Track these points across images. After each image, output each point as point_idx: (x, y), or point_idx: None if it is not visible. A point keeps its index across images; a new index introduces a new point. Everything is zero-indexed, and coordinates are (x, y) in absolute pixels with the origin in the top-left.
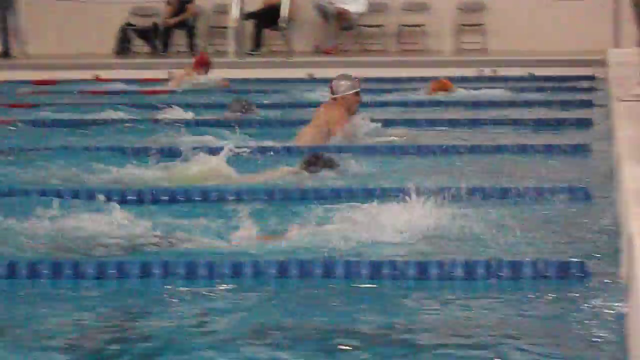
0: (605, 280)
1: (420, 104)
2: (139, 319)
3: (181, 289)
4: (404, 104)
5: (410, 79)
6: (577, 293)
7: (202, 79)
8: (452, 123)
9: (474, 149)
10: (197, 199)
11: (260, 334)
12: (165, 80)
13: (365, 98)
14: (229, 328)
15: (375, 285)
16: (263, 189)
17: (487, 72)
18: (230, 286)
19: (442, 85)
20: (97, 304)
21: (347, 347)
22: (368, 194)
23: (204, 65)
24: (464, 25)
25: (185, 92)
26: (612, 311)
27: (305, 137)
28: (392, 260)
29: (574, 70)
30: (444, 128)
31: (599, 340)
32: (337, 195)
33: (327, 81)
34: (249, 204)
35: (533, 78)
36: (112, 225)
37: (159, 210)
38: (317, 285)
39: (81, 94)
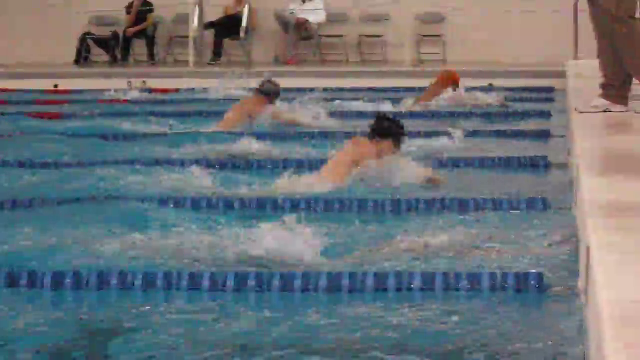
0: (564, 292)
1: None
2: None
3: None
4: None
5: (370, 89)
6: (535, 305)
7: None
8: (411, 135)
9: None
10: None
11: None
12: None
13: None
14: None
15: (332, 297)
16: None
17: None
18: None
19: (452, 76)
20: None
21: None
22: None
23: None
24: (423, 36)
25: None
26: (570, 323)
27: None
28: (352, 272)
29: (533, 81)
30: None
31: (558, 352)
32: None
33: (287, 91)
34: None
35: (492, 89)
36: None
37: None
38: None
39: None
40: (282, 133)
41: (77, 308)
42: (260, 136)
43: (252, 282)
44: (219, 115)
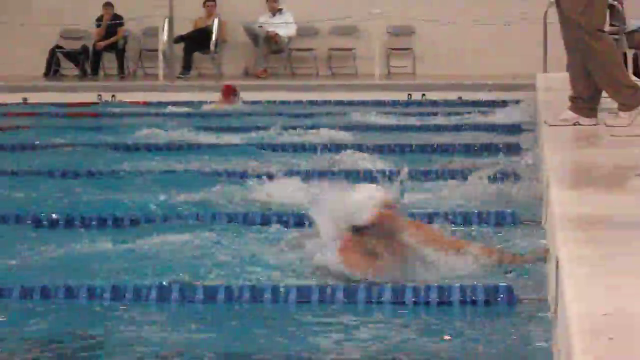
0: (533, 305)
1: (347, 127)
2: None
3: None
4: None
5: (340, 102)
6: (504, 318)
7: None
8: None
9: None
10: None
11: None
12: None
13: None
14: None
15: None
16: None
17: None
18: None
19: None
20: None
21: None
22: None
23: (232, 93)
24: (393, 49)
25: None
26: (539, 336)
27: None
28: (321, 285)
29: (502, 94)
30: (366, 154)
31: None
32: None
33: (256, 102)
34: None
35: (462, 102)
36: None
37: None
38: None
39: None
40: None
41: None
42: None
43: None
44: None
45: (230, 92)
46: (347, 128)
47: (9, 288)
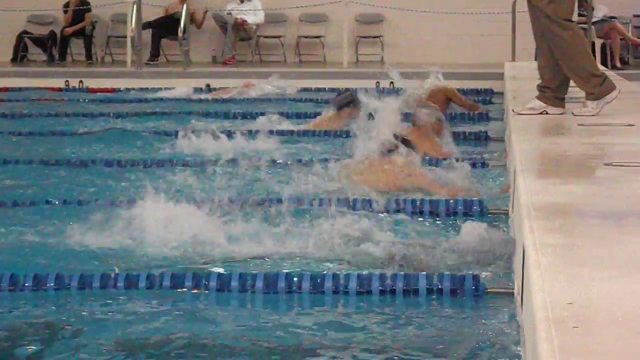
0: (500, 294)
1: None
2: None
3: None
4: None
5: (307, 90)
6: (471, 307)
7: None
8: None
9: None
10: None
11: None
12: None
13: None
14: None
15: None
16: None
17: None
18: None
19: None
20: None
21: None
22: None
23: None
24: (361, 37)
25: None
26: (506, 325)
27: None
28: (288, 272)
29: (471, 83)
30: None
31: (493, 355)
32: None
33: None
34: None
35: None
36: None
37: None
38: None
39: None
40: None
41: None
42: None
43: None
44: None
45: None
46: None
47: None
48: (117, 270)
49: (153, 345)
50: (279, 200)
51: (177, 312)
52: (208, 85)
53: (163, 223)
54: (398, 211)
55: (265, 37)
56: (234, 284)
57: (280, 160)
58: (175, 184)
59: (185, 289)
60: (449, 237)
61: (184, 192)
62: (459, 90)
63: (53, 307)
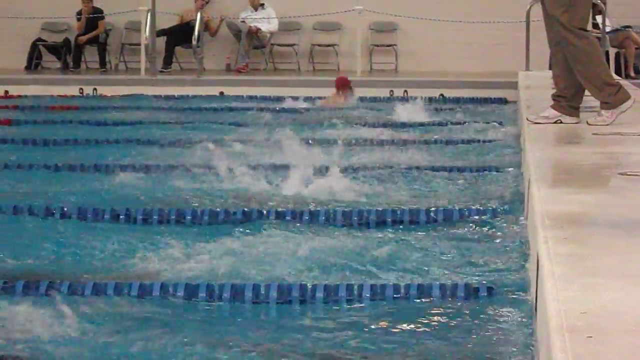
0: (514, 303)
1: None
2: None
3: None
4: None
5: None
6: (485, 315)
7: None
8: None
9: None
10: None
11: None
12: None
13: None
14: None
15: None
16: None
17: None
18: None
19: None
20: None
21: None
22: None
23: (347, 86)
24: (375, 45)
25: None
26: (520, 334)
27: None
28: (302, 284)
29: (485, 92)
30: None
31: None
32: None
33: (238, 99)
34: None
35: (444, 100)
36: None
37: None
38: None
39: None
40: None
41: None
42: None
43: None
44: None
45: (345, 86)
46: None
47: None
48: None
49: None
50: None
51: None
52: (222, 93)
53: None
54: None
55: (279, 45)
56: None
57: None
58: None
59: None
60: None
61: None
62: (472, 99)
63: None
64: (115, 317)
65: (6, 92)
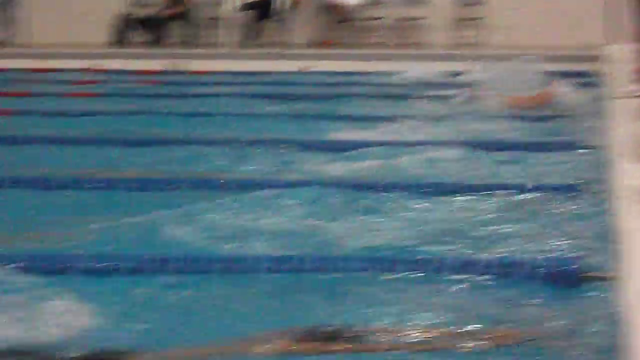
0: (598, 278)
1: None
2: None
3: None
4: None
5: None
6: (570, 291)
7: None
8: None
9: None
10: None
11: None
12: None
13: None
14: None
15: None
16: None
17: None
18: None
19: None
20: None
21: None
22: None
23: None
24: (461, 19)
25: None
26: (604, 310)
27: None
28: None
29: (569, 65)
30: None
31: (591, 339)
32: None
33: (322, 74)
34: None
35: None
36: None
37: None
38: None
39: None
40: None
41: None
42: None
43: None
44: None
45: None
46: None
47: None
48: None
49: None
50: None
51: None
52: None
53: None
54: None
55: (364, 19)
56: None
57: None
58: None
59: None
60: None
61: None
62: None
63: None
64: None
65: (91, 66)
